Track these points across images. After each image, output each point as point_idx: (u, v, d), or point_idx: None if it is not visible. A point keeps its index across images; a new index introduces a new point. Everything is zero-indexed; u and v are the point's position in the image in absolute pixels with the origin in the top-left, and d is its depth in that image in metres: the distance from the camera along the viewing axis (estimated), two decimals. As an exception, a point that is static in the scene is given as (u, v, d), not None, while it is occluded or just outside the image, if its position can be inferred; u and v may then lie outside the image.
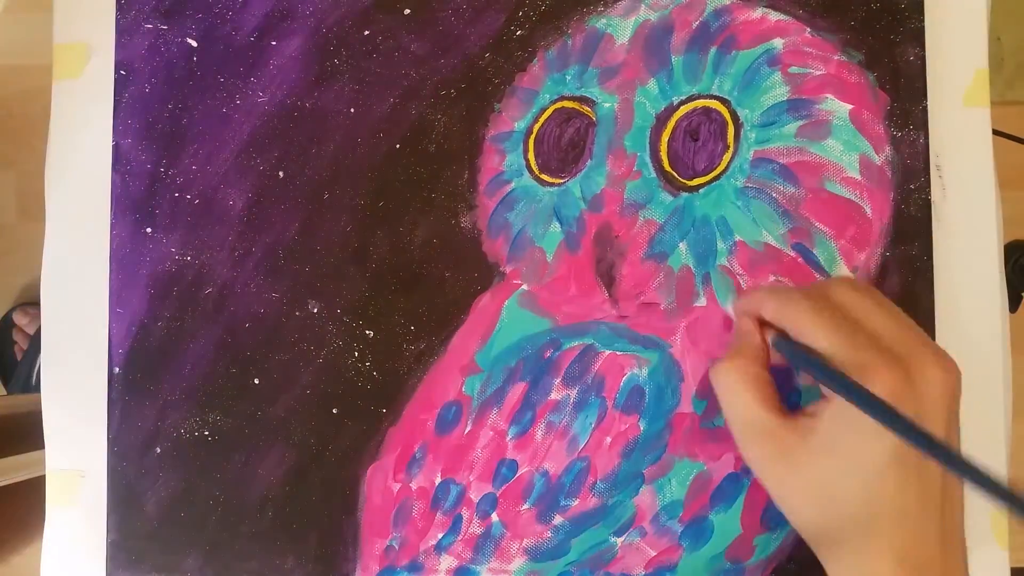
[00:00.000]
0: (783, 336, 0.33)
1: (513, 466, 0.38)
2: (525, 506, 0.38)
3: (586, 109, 0.39)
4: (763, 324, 0.34)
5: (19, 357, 0.97)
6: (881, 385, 0.29)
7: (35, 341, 0.94)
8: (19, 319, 1.00)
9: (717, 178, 0.38)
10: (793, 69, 0.38)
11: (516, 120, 0.39)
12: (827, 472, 0.30)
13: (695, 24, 0.39)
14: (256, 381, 0.39)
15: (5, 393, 0.96)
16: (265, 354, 0.39)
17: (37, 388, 0.88)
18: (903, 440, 0.27)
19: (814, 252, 0.38)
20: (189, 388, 0.39)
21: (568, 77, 0.39)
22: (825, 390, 0.31)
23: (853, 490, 0.30)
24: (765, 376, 0.32)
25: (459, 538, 0.38)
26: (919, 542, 0.30)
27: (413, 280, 0.39)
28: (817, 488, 0.31)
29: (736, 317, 0.35)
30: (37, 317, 0.97)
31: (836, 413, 0.30)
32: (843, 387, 0.29)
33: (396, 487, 0.39)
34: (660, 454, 0.38)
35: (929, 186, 0.38)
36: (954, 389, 0.30)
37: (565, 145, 0.39)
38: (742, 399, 0.32)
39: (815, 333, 0.31)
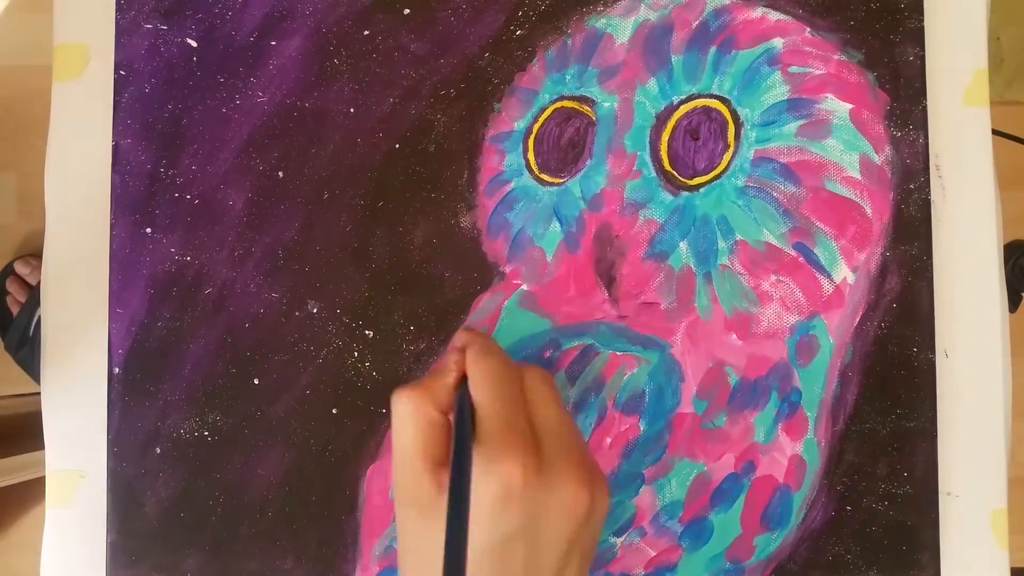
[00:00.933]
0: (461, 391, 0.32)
1: (513, 466, 0.38)
2: (525, 506, 0.38)
3: (586, 109, 0.39)
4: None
5: (14, 309, 0.97)
6: (509, 471, 0.28)
7: (35, 293, 0.94)
8: (20, 268, 1.00)
9: (717, 177, 0.38)
10: (793, 69, 0.38)
11: (516, 120, 0.39)
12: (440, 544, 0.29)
13: (695, 24, 0.39)
14: (256, 381, 0.39)
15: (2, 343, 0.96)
16: (265, 354, 0.39)
17: (35, 342, 0.88)
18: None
19: (815, 251, 0.38)
20: (189, 388, 0.39)
21: (568, 77, 0.39)
22: None
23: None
24: (435, 417, 0.31)
25: (459, 538, 0.38)
26: None
27: (413, 280, 0.39)
28: (432, 555, 0.29)
29: (448, 350, 0.34)
30: (39, 268, 0.96)
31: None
32: (454, 466, 0.28)
33: (396, 487, 0.39)
34: (660, 454, 0.38)
35: (929, 186, 0.38)
36: (584, 511, 0.29)
37: (565, 145, 0.39)
38: (406, 434, 0.31)
39: (483, 395, 0.30)
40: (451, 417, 0.31)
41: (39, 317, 0.90)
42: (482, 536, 0.28)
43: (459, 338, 0.34)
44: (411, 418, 0.31)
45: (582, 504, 0.29)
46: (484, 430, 0.29)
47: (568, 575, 0.30)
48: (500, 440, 0.29)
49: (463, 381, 0.32)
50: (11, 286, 0.99)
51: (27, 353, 0.92)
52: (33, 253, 1.05)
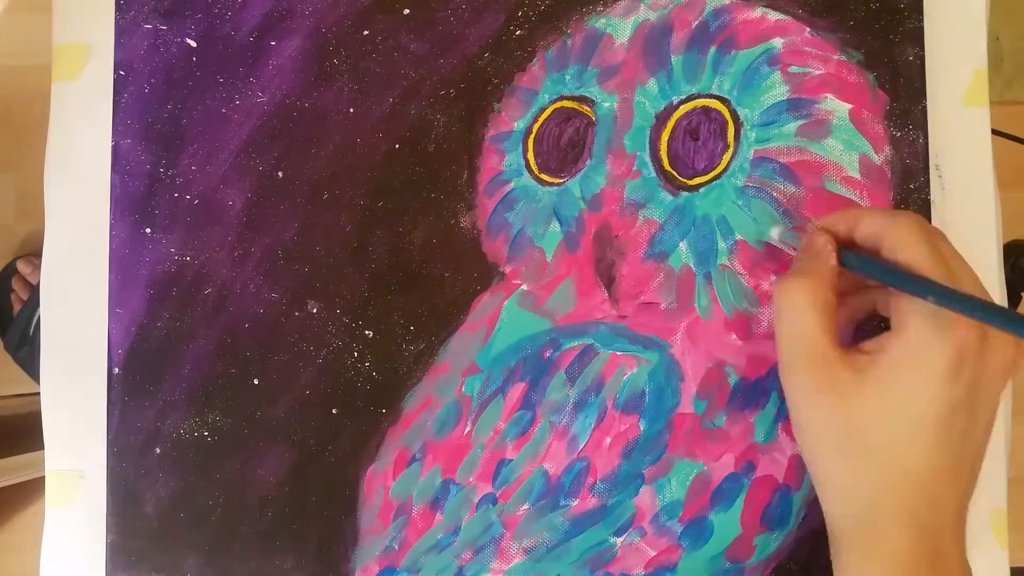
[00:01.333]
0: (858, 254, 0.31)
1: (513, 466, 0.38)
2: (525, 506, 0.38)
3: (585, 109, 0.39)
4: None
5: (16, 307, 0.97)
6: (960, 335, 0.28)
7: (36, 293, 0.94)
8: (23, 267, 1.00)
9: (717, 177, 0.38)
10: (793, 68, 0.38)
11: (515, 120, 0.39)
12: (873, 413, 0.29)
13: (694, 24, 0.39)
14: (255, 381, 0.39)
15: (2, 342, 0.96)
16: (264, 354, 0.39)
17: (35, 342, 0.89)
18: (996, 325, 0.27)
19: (814, 252, 0.38)
20: (189, 388, 0.39)
21: (567, 77, 0.39)
22: (898, 305, 0.30)
23: (892, 438, 0.29)
24: (832, 302, 0.31)
25: (459, 538, 0.38)
26: (937, 509, 0.29)
27: (413, 280, 0.39)
28: (857, 433, 0.30)
29: (811, 234, 0.33)
30: (40, 268, 0.97)
31: (899, 355, 0.29)
32: (929, 288, 0.28)
33: (396, 487, 0.39)
34: (660, 454, 0.38)
35: (928, 186, 0.38)
36: (1013, 368, 0.30)
37: (565, 145, 0.39)
38: (804, 320, 0.30)
39: (921, 255, 0.29)
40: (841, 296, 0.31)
41: (39, 317, 0.90)
42: (929, 403, 0.28)
43: (831, 224, 0.33)
44: (810, 305, 0.30)
45: (1015, 365, 0.29)
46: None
47: (985, 437, 0.30)
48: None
49: (855, 253, 0.31)
50: (16, 284, 1.00)
51: (27, 353, 0.92)
52: (35, 253, 1.05)
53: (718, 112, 0.38)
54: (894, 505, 0.30)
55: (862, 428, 0.30)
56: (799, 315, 0.31)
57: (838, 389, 0.30)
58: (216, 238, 0.40)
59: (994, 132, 0.41)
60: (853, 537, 0.31)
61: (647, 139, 0.38)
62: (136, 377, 0.39)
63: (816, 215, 0.38)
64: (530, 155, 0.39)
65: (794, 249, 0.36)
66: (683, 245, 0.38)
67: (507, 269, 0.39)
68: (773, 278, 0.38)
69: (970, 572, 0.30)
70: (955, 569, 0.30)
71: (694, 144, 0.38)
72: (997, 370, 0.29)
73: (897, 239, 0.30)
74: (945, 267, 0.29)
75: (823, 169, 0.38)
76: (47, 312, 0.41)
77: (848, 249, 0.32)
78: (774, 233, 0.36)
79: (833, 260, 0.32)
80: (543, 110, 0.39)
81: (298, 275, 0.39)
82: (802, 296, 0.31)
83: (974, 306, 0.27)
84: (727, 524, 0.37)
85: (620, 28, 0.39)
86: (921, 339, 0.29)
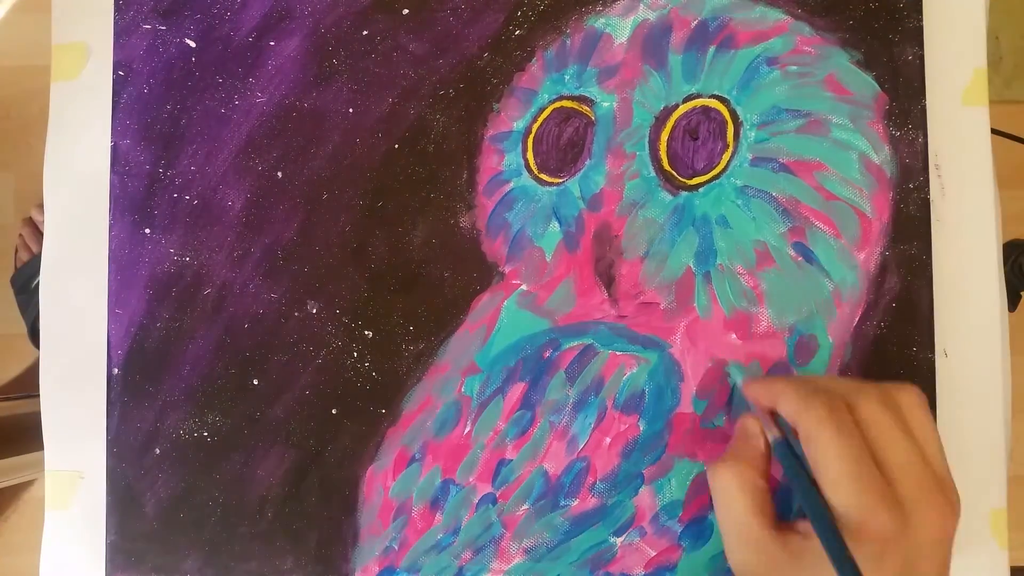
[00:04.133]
0: (785, 440, 0.32)
1: (513, 466, 0.38)
2: (525, 506, 0.38)
3: (585, 109, 0.39)
4: (772, 414, 0.33)
5: (21, 255, 0.99)
6: (877, 528, 0.28)
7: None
8: (36, 215, 1.01)
9: (717, 177, 0.38)
10: (792, 68, 0.38)
11: (515, 120, 0.39)
12: None
13: (694, 23, 0.39)
14: (255, 382, 0.39)
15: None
16: (264, 355, 0.39)
17: (34, 294, 0.89)
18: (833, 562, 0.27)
19: (814, 251, 0.38)
20: (188, 389, 0.39)
21: (567, 77, 0.39)
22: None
23: None
24: (763, 485, 0.31)
25: (459, 539, 0.38)
26: None
27: (412, 280, 0.39)
28: None
29: (743, 418, 0.34)
30: None
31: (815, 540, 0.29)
32: (820, 528, 0.28)
33: (395, 488, 0.39)
34: (660, 454, 0.38)
35: (928, 185, 0.38)
36: (951, 533, 0.29)
37: (564, 145, 0.39)
38: (737, 506, 0.31)
39: (827, 454, 0.29)
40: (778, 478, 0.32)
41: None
42: None
43: (754, 394, 0.33)
44: (739, 490, 0.31)
45: (952, 529, 0.29)
46: (836, 491, 0.29)
47: None
48: (857, 501, 0.28)
49: (785, 441, 0.31)
50: (24, 230, 1.01)
51: (24, 300, 0.93)
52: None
53: (717, 112, 0.38)
54: None
55: None
56: (730, 501, 0.31)
57: (774, 567, 0.30)
58: (216, 238, 0.39)
59: (994, 132, 0.41)
60: None
61: (647, 139, 0.38)
62: (136, 377, 0.39)
63: (815, 215, 0.38)
64: (529, 155, 0.39)
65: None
66: (682, 245, 0.38)
67: (507, 269, 0.39)
68: (773, 278, 0.38)
69: None
70: None
71: (693, 144, 0.38)
72: (928, 543, 0.28)
73: (808, 434, 0.30)
74: (855, 481, 0.29)
75: (822, 169, 0.38)
76: (47, 312, 0.41)
77: (783, 438, 0.32)
78: (732, 371, 0.37)
79: (762, 446, 0.32)
80: (542, 110, 0.39)
81: (298, 275, 0.39)
82: (731, 482, 0.31)
83: (829, 543, 0.27)
84: (727, 524, 0.37)
85: (619, 28, 0.39)
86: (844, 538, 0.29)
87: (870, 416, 0.30)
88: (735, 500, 0.31)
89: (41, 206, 1.02)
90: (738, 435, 0.34)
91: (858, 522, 0.28)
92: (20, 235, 1.02)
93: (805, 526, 0.30)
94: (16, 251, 1.01)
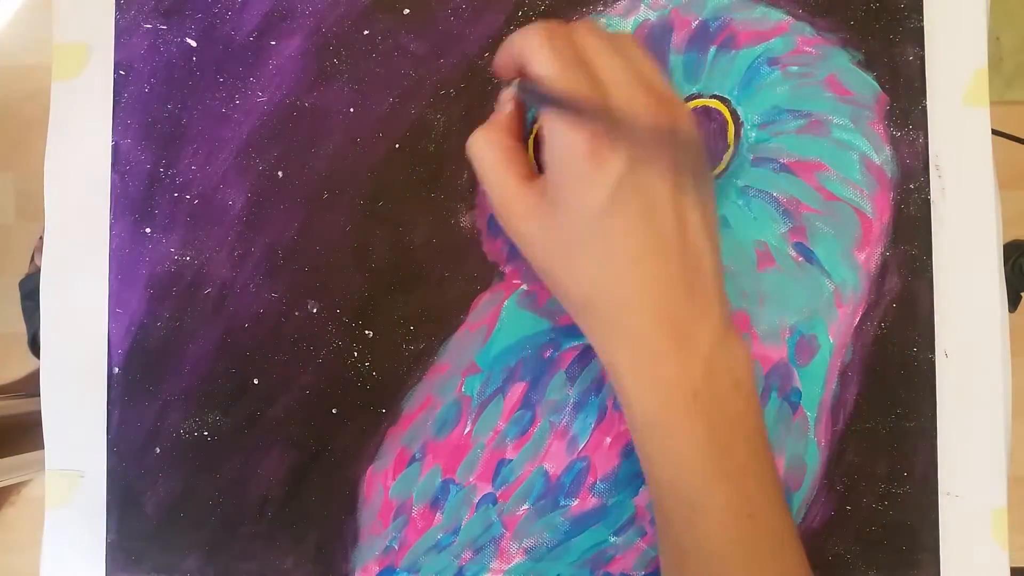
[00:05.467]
0: (523, 81, 0.32)
1: (513, 466, 0.38)
2: (525, 506, 0.38)
3: (586, 109, 0.39)
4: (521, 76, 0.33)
5: (37, 260, 0.99)
6: (579, 131, 0.29)
7: None
8: None
9: (717, 177, 0.38)
10: (793, 68, 0.38)
11: (516, 120, 0.39)
12: (563, 224, 0.30)
13: (695, 23, 0.39)
14: (255, 381, 0.39)
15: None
16: (264, 354, 0.39)
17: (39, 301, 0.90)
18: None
19: (814, 251, 0.38)
20: (188, 388, 0.39)
21: (568, 77, 0.39)
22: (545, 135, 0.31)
23: (588, 237, 0.30)
24: (513, 144, 0.33)
25: (459, 538, 0.38)
26: (658, 282, 0.30)
27: (413, 280, 0.39)
28: (561, 245, 0.31)
29: (502, 89, 0.34)
30: None
31: (553, 165, 0.30)
32: (559, 100, 0.29)
33: (395, 487, 0.39)
34: (660, 454, 0.38)
35: (928, 186, 0.38)
36: (673, 144, 0.30)
37: (565, 145, 0.39)
38: (488, 164, 0.32)
39: (546, 67, 0.30)
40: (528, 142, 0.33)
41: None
42: (593, 194, 0.29)
43: (497, 63, 0.33)
44: (488, 149, 0.32)
45: (669, 139, 0.30)
46: (562, 123, 0.29)
47: (682, 199, 0.30)
48: (627, 104, 0.29)
49: (520, 82, 0.32)
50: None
51: (30, 307, 0.93)
52: None
53: (718, 112, 0.38)
54: (618, 293, 0.30)
55: (565, 241, 0.31)
56: (483, 162, 0.33)
57: (535, 216, 0.31)
58: (216, 238, 0.39)
59: (994, 132, 0.41)
60: (600, 328, 0.32)
61: (647, 139, 0.38)
62: (136, 377, 0.39)
63: (816, 215, 0.38)
64: (530, 155, 0.39)
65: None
66: (683, 245, 0.38)
67: (507, 269, 0.39)
68: (773, 278, 0.38)
69: (724, 342, 0.31)
70: (703, 341, 0.30)
71: (694, 144, 0.38)
72: (648, 149, 0.29)
73: (529, 59, 0.31)
74: (583, 66, 0.30)
75: (823, 169, 0.38)
76: (47, 312, 0.41)
77: (521, 82, 0.32)
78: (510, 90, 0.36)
79: (511, 107, 0.33)
80: (543, 110, 0.39)
81: (298, 275, 0.39)
82: (482, 145, 0.33)
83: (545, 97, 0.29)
84: (727, 524, 0.37)
85: (620, 28, 0.39)
86: (557, 143, 0.30)
87: (582, 40, 0.31)
88: (486, 158, 0.32)
89: None
90: (496, 105, 0.34)
91: (570, 126, 0.29)
92: (41, 237, 1.02)
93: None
94: (32, 255, 1.00)
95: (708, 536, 0.30)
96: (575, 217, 0.30)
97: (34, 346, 0.94)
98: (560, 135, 0.29)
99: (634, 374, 0.31)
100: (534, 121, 0.39)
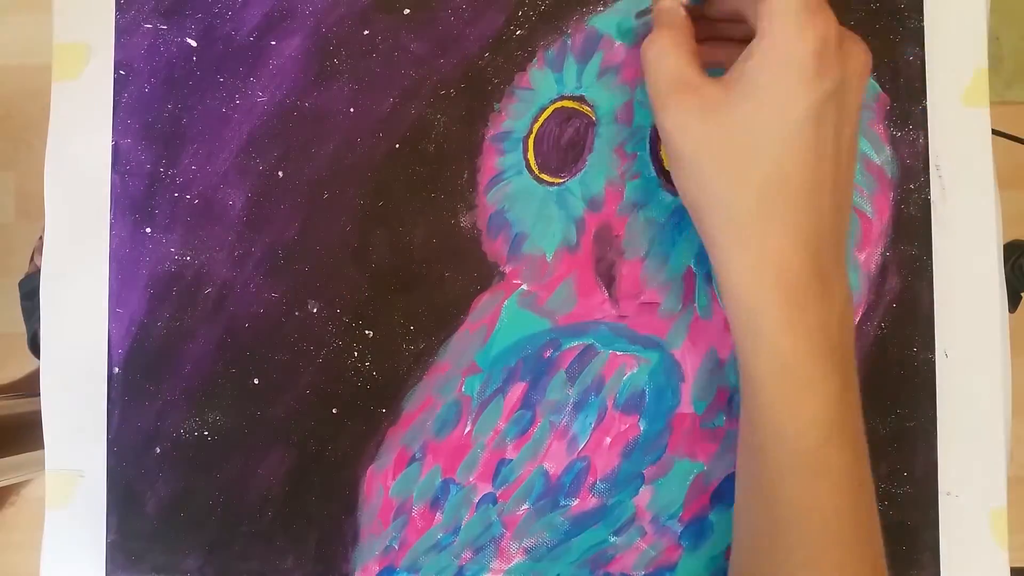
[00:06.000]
0: None
1: (513, 466, 0.38)
2: (525, 506, 0.38)
3: (586, 109, 0.39)
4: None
5: (37, 260, 0.98)
6: (824, 16, 0.28)
7: None
8: None
9: (717, 178, 0.38)
10: (793, 69, 0.38)
11: (516, 120, 0.39)
12: (747, 118, 0.29)
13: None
14: (256, 381, 0.39)
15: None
16: (265, 354, 0.39)
17: (38, 302, 0.90)
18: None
19: (814, 252, 0.38)
20: (189, 388, 0.39)
21: (568, 77, 0.39)
22: (759, 26, 0.30)
23: (769, 140, 0.29)
24: (692, 45, 0.31)
25: (459, 538, 0.38)
26: (818, 222, 0.29)
27: (413, 280, 0.39)
28: (734, 144, 0.29)
29: (658, 2, 0.34)
30: None
31: (765, 57, 0.29)
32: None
33: (396, 487, 0.39)
34: (660, 454, 0.38)
35: (928, 186, 0.38)
36: (866, 76, 0.30)
37: (565, 145, 0.39)
38: (669, 59, 0.31)
39: None
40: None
41: None
42: (801, 98, 0.28)
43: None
44: (669, 46, 0.31)
45: (869, 65, 0.30)
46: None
47: (854, 142, 0.30)
48: (795, 14, 0.28)
49: None
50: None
51: (29, 307, 0.93)
52: None
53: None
54: (778, 214, 0.29)
55: (738, 137, 0.29)
56: (663, 58, 0.31)
57: (709, 106, 0.30)
58: (216, 238, 0.40)
59: (994, 132, 0.41)
60: (742, 256, 0.30)
61: (647, 139, 0.38)
62: (136, 377, 0.39)
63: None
64: (530, 155, 0.39)
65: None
66: (683, 245, 0.38)
67: (507, 269, 0.39)
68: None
69: (851, 303, 0.31)
70: (839, 295, 0.30)
71: (694, 144, 0.38)
72: (855, 72, 0.29)
73: None
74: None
75: (823, 169, 0.38)
76: (47, 311, 0.41)
77: None
78: (638, 20, 0.36)
79: (682, 13, 0.32)
80: (543, 110, 0.39)
81: (298, 275, 0.39)
82: (662, 43, 0.31)
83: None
84: (727, 524, 0.37)
85: (621, 28, 0.39)
86: (784, 36, 0.28)
87: None
88: (667, 55, 0.31)
89: None
90: (658, 16, 0.33)
91: (803, 23, 0.28)
92: (40, 237, 1.02)
93: (737, 63, 0.30)
94: (32, 255, 1.00)
95: (822, 499, 0.29)
96: (766, 117, 0.29)
97: (34, 346, 0.94)
98: (791, 30, 0.28)
99: (777, 311, 0.29)
100: (534, 121, 0.39)
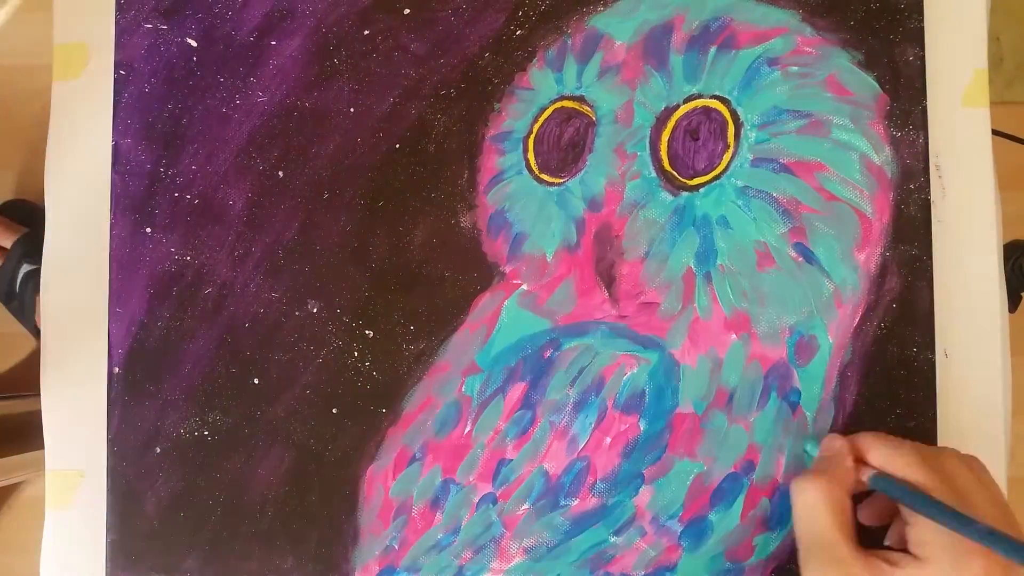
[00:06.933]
0: (882, 473, 0.32)
1: (513, 466, 0.38)
2: (525, 506, 0.38)
3: (586, 109, 0.39)
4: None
5: None
6: (983, 561, 0.28)
7: (15, 248, 0.94)
8: None
9: (717, 178, 0.38)
10: (793, 69, 0.38)
11: (516, 120, 0.39)
12: None
13: (695, 24, 0.39)
14: (256, 381, 0.39)
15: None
16: (265, 354, 0.39)
17: (23, 295, 0.89)
18: (1002, 553, 0.27)
19: (814, 251, 0.38)
20: (189, 388, 0.39)
21: (568, 77, 0.39)
22: (918, 536, 0.30)
23: None
24: (847, 504, 0.31)
25: (459, 538, 0.38)
26: None
27: (413, 280, 0.39)
28: None
29: (829, 439, 0.34)
30: (9, 225, 0.96)
31: (923, 566, 0.29)
32: (951, 517, 0.29)
33: (396, 487, 0.39)
34: (660, 454, 0.38)
35: (929, 186, 0.38)
36: None
37: (565, 145, 0.39)
38: (823, 521, 0.31)
39: (929, 491, 0.30)
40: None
41: (25, 272, 0.91)
42: None
43: (841, 444, 0.34)
44: (825, 506, 0.31)
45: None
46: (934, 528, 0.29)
47: None
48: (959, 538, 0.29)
49: (876, 474, 0.32)
50: None
51: (17, 306, 0.93)
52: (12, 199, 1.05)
53: (718, 112, 0.38)
54: None
55: None
56: (813, 513, 0.31)
57: None
58: (216, 238, 0.40)
59: (994, 132, 0.41)
60: None
61: (647, 139, 0.38)
62: (136, 377, 0.39)
63: (816, 215, 0.38)
64: (530, 155, 0.39)
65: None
66: (683, 245, 0.38)
67: (507, 269, 0.39)
68: (773, 278, 0.38)
69: None
70: None
71: (694, 144, 0.38)
72: None
73: (903, 475, 0.31)
74: (955, 495, 0.30)
75: (823, 170, 0.38)
76: (47, 312, 0.41)
77: (878, 472, 0.32)
78: (809, 448, 0.37)
79: (849, 465, 0.32)
80: (543, 110, 0.39)
81: (298, 275, 0.39)
82: (817, 494, 0.31)
83: (983, 532, 0.28)
84: (727, 524, 0.37)
85: (620, 28, 0.39)
86: (941, 572, 0.29)
87: (952, 467, 0.31)
88: (822, 515, 0.31)
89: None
90: (822, 454, 0.34)
91: (962, 561, 0.29)
92: None
93: (893, 556, 0.30)
94: None
95: None
96: None
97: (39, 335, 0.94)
98: (945, 561, 0.29)
99: None
100: (534, 121, 0.39)
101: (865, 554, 0.31)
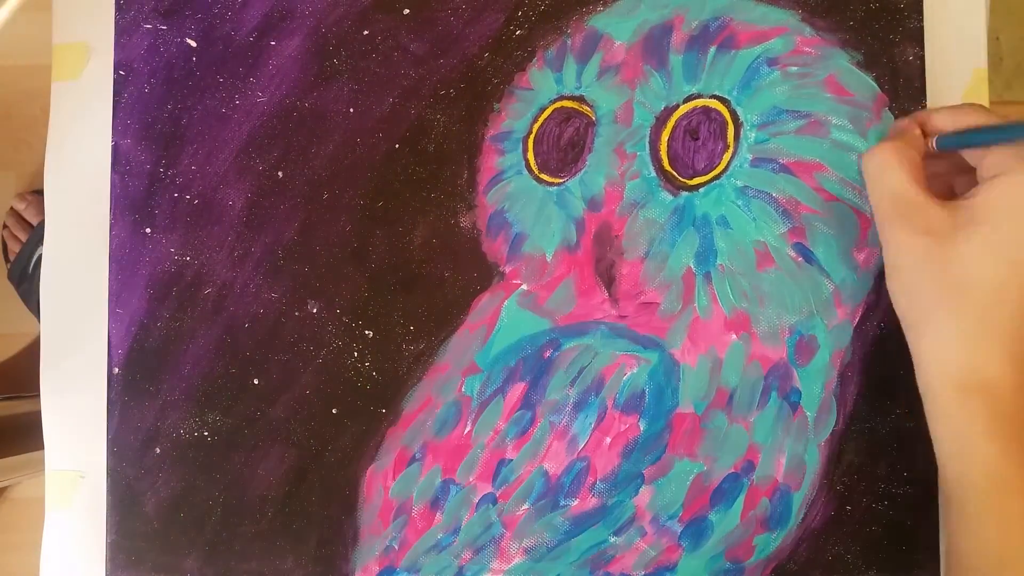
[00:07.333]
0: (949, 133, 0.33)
1: (513, 466, 0.38)
2: (525, 506, 0.38)
3: (585, 109, 0.39)
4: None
5: (11, 244, 0.99)
6: None
7: (37, 231, 0.96)
8: (17, 204, 1.01)
9: (717, 177, 0.38)
10: (792, 69, 0.38)
11: (515, 120, 0.39)
12: (971, 253, 0.30)
13: (695, 23, 0.39)
14: (256, 381, 0.39)
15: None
16: (265, 354, 0.39)
17: (34, 278, 0.90)
18: None
19: (814, 251, 0.38)
20: (189, 388, 0.39)
21: (567, 77, 0.39)
22: (990, 164, 0.31)
23: (994, 276, 0.30)
24: (920, 161, 0.32)
25: (459, 538, 0.38)
26: None
27: (413, 280, 0.39)
28: (956, 271, 0.30)
29: (896, 121, 0.35)
30: (35, 203, 0.97)
31: (996, 199, 0.30)
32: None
33: (396, 487, 0.39)
34: (660, 454, 0.38)
35: (929, 186, 0.38)
36: None
37: (564, 145, 0.39)
38: (896, 175, 0.32)
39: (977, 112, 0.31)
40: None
41: (39, 255, 0.91)
42: None
43: (901, 123, 0.34)
44: (898, 162, 0.32)
45: None
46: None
47: None
48: None
49: (943, 134, 0.33)
50: (8, 220, 1.01)
51: (27, 289, 0.93)
52: (29, 189, 1.06)
53: (718, 112, 0.38)
54: (997, 344, 0.30)
55: (961, 267, 0.30)
56: (889, 171, 0.32)
57: (935, 230, 0.31)
58: (216, 238, 0.40)
59: (994, 131, 0.41)
60: (951, 373, 0.31)
61: (647, 139, 0.38)
62: (136, 377, 0.39)
63: (815, 215, 0.38)
64: (530, 155, 0.39)
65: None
66: (683, 245, 0.38)
67: (507, 269, 0.39)
68: (773, 278, 0.38)
69: None
70: None
71: (694, 144, 0.38)
72: None
73: (967, 121, 0.32)
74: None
75: (822, 170, 0.38)
76: (47, 312, 0.41)
77: (942, 134, 0.33)
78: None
79: (917, 130, 0.33)
80: (543, 110, 0.39)
81: (298, 275, 0.39)
82: (888, 154, 0.32)
83: None
84: (727, 524, 0.37)
85: (620, 28, 0.39)
86: (1018, 184, 0.29)
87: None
88: (895, 171, 0.32)
89: (22, 195, 1.03)
90: (893, 130, 0.35)
91: None
92: (5, 226, 1.02)
93: (966, 194, 0.31)
94: (5, 246, 1.01)
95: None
96: (993, 251, 0.30)
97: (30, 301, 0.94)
98: (1021, 175, 0.30)
99: (983, 424, 0.30)
100: (534, 121, 0.39)
101: (939, 200, 0.31)
